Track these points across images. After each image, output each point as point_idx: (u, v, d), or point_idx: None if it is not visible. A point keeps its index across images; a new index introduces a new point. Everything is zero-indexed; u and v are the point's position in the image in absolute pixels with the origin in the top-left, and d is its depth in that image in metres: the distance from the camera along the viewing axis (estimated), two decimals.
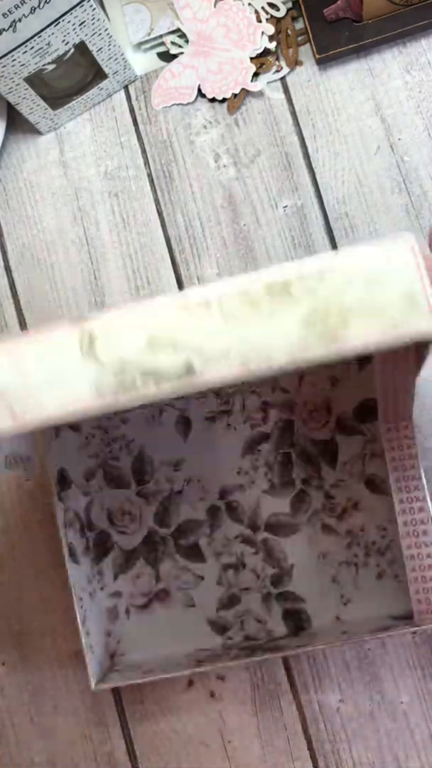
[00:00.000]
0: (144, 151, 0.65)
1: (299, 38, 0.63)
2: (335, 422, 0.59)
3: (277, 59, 0.63)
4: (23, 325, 0.65)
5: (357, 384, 0.59)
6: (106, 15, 0.66)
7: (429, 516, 0.52)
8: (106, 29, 0.59)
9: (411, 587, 0.53)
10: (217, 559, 0.60)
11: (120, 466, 0.62)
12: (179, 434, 0.61)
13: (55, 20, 0.56)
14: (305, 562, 0.59)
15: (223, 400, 0.61)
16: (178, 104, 0.64)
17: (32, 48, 0.57)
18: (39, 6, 0.55)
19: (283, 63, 0.63)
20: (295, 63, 0.63)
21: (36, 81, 0.61)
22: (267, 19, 0.63)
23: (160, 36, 0.65)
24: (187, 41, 0.64)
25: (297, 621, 0.59)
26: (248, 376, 0.33)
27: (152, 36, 0.65)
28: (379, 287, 0.32)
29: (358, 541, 0.59)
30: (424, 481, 0.51)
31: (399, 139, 0.61)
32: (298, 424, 0.60)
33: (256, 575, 0.60)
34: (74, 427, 0.62)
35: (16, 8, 0.54)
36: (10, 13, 0.54)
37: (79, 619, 0.56)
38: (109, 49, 0.61)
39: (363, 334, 0.32)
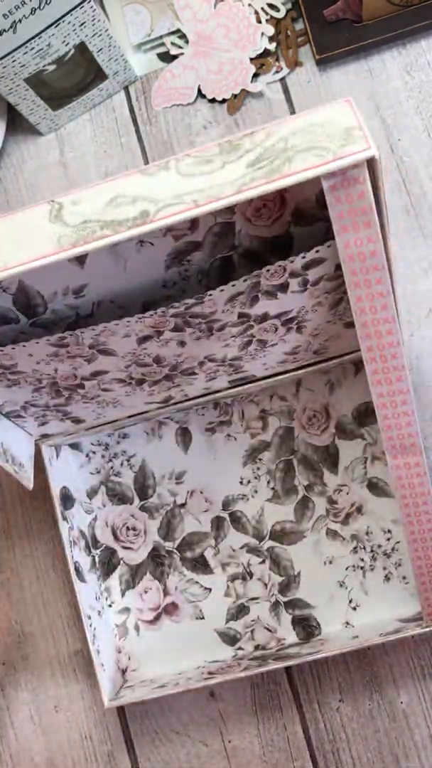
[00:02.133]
0: (144, 152, 0.65)
1: (299, 39, 0.63)
2: (335, 427, 0.60)
3: (277, 60, 0.63)
4: None
5: (354, 388, 0.59)
6: (107, 16, 0.66)
7: None
8: (107, 30, 0.59)
9: (420, 589, 0.53)
10: (224, 570, 0.60)
11: (122, 482, 0.62)
12: (180, 447, 0.61)
13: (56, 21, 0.56)
14: (312, 569, 0.59)
15: (222, 411, 0.61)
16: (178, 105, 0.64)
17: (32, 49, 0.58)
18: (39, 7, 0.55)
19: (282, 63, 0.63)
20: (294, 63, 0.63)
21: (36, 82, 0.61)
22: (267, 20, 0.63)
23: (160, 37, 0.65)
24: (187, 42, 0.64)
25: (307, 628, 0.59)
26: (199, 214, 0.35)
27: (152, 37, 0.65)
28: (320, 129, 0.35)
29: (364, 545, 0.59)
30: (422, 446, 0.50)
31: (399, 139, 0.61)
32: (298, 430, 0.60)
33: (263, 584, 0.60)
34: (74, 445, 0.62)
35: (16, 9, 0.54)
36: (11, 14, 0.54)
37: (89, 638, 0.56)
38: (110, 50, 0.61)
39: (304, 166, 0.35)
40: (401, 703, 0.58)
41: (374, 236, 0.38)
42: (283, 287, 0.44)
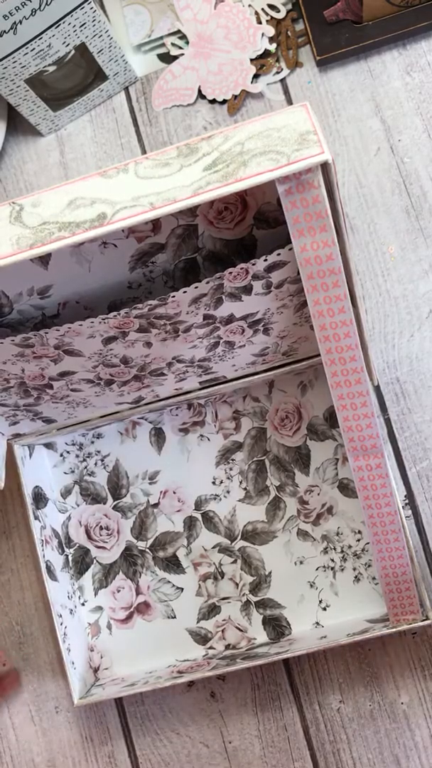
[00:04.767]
0: (144, 152, 0.65)
1: (299, 39, 0.63)
2: (307, 428, 0.60)
3: (277, 60, 0.63)
4: None
5: (326, 390, 0.59)
6: (107, 17, 0.66)
7: (398, 518, 0.52)
8: (107, 31, 0.60)
9: (384, 590, 0.53)
10: (196, 570, 0.60)
11: (96, 482, 0.62)
12: (153, 447, 0.62)
13: (56, 22, 0.56)
14: (283, 569, 0.59)
15: (195, 411, 0.61)
16: (178, 105, 0.65)
17: (33, 50, 0.58)
18: (40, 8, 0.55)
19: (283, 64, 0.63)
20: (295, 64, 0.63)
21: (37, 82, 0.61)
22: (267, 21, 0.63)
23: (161, 37, 0.65)
24: (187, 42, 0.64)
25: (277, 628, 0.59)
26: (155, 216, 0.36)
27: (152, 37, 0.65)
28: (276, 133, 0.36)
29: (334, 546, 0.59)
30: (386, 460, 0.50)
31: (399, 140, 0.61)
32: (270, 431, 0.60)
33: (234, 584, 0.60)
34: (49, 445, 0.62)
35: (17, 10, 0.54)
36: (11, 15, 0.54)
37: (59, 636, 0.56)
38: (110, 51, 0.61)
39: (259, 170, 0.35)
40: (402, 703, 0.58)
41: (330, 240, 0.39)
42: (247, 289, 0.44)
